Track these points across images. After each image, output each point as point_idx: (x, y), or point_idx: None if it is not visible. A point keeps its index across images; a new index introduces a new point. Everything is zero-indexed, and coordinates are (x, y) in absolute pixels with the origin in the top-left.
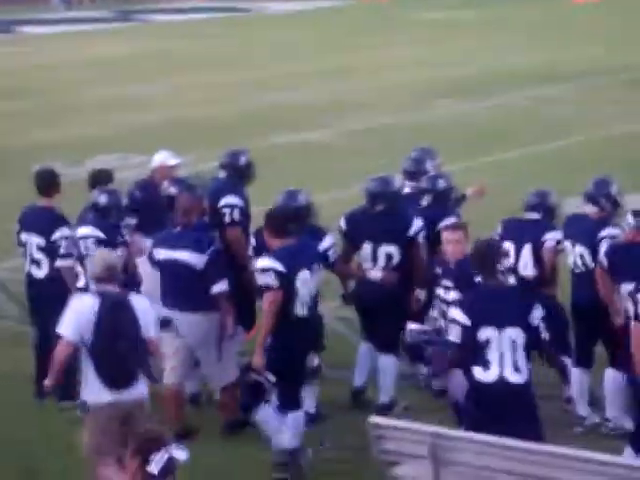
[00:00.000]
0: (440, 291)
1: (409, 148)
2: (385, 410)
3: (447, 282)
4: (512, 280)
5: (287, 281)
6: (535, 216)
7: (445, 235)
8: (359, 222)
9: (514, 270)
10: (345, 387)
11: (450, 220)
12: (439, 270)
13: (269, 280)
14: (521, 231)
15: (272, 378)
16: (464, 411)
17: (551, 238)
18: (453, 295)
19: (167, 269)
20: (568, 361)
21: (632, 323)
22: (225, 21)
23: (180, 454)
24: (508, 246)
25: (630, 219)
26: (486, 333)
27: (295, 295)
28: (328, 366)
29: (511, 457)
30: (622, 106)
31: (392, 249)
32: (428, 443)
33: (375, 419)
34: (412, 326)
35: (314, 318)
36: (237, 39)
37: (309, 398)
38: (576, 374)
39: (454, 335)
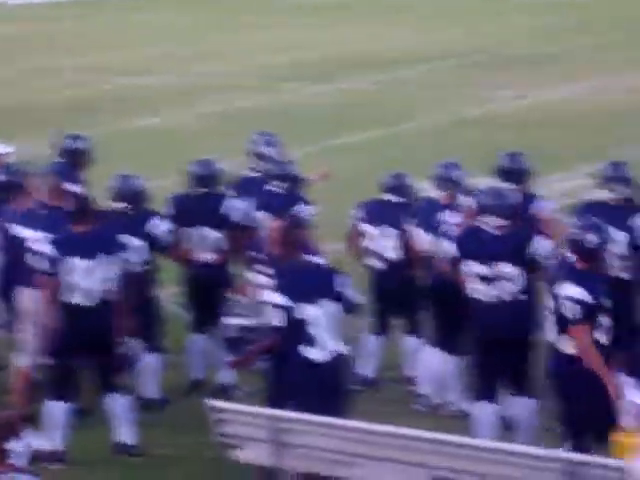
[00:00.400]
0: (257, 277)
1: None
2: (224, 392)
3: (268, 269)
4: (376, 263)
5: (60, 268)
6: (394, 198)
7: (275, 223)
8: (183, 204)
9: (376, 252)
10: (184, 371)
11: (300, 209)
12: (261, 255)
13: (44, 265)
14: (382, 213)
15: (49, 363)
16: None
17: (412, 221)
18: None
19: (19, 246)
20: (417, 341)
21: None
22: (77, 3)
23: (38, 441)
24: (368, 228)
25: (469, 201)
26: (306, 311)
27: (72, 283)
28: (168, 350)
29: (353, 438)
30: (473, 88)
31: (214, 232)
32: (267, 426)
33: (214, 402)
34: (229, 321)
35: (105, 309)
36: (90, 21)
37: (150, 383)
38: (428, 354)
39: (274, 319)
